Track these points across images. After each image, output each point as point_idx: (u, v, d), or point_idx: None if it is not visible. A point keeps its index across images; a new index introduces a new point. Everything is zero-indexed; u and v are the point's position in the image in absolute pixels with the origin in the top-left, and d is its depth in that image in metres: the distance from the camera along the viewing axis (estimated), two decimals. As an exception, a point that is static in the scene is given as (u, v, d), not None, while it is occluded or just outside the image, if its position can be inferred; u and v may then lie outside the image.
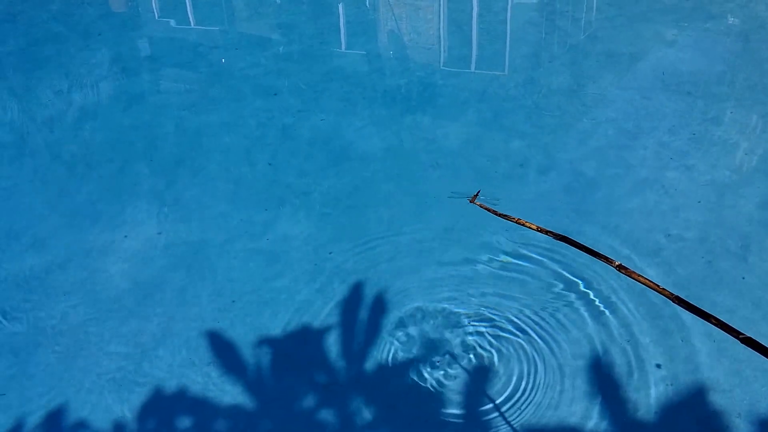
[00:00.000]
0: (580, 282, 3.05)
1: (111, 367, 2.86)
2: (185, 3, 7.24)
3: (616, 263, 1.49)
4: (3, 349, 2.99)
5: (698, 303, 2.83)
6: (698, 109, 4.34)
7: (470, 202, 1.99)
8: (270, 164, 4.23)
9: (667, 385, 2.58)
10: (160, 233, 3.64)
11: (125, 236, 3.64)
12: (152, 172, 4.29)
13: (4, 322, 3.15)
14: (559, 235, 1.65)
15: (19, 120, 5.15)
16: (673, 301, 1.32)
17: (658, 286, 1.37)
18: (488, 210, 1.88)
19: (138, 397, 2.73)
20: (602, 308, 2.92)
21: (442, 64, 5.45)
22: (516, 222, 1.76)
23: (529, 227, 1.75)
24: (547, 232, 1.68)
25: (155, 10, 7.25)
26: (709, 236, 3.26)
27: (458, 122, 4.50)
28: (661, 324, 2.81)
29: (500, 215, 1.85)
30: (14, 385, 2.82)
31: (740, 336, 1.20)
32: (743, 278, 3.00)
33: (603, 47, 5.33)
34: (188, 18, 6.90)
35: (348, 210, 3.73)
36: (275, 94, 5.09)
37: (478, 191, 1.97)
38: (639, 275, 1.42)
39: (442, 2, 6.76)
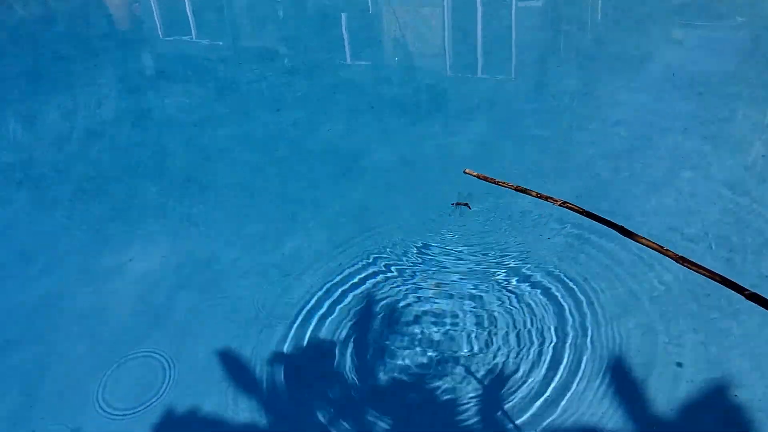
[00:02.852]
0: (597, 286, 3.00)
1: (123, 390, 2.82)
2: (188, 19, 7.26)
3: (619, 226, 1.52)
4: (13, 377, 2.96)
5: (721, 300, 2.80)
6: (710, 109, 4.28)
7: (465, 172, 1.97)
8: (279, 177, 4.20)
9: (687, 382, 2.52)
10: (169, 254, 3.61)
11: (135, 258, 3.61)
12: (161, 189, 4.27)
13: (15, 348, 3.12)
14: (559, 200, 1.66)
15: (26, 142, 5.16)
16: (677, 261, 1.33)
17: (662, 247, 1.37)
18: (483, 178, 1.85)
19: (152, 418, 2.68)
20: (622, 308, 2.86)
21: (449, 72, 5.41)
22: (515, 189, 1.75)
23: (529, 193, 1.74)
24: (546, 198, 1.68)
25: (159, 27, 7.27)
26: (727, 235, 3.20)
27: (468, 130, 4.46)
28: (681, 323, 2.74)
29: (497, 182, 1.83)
30: (23, 412, 2.78)
31: (745, 292, 1.21)
32: (767, 276, 2.93)
33: (611, 50, 5.28)
34: (191, 33, 6.92)
35: (360, 222, 3.69)
36: (281, 108, 5.07)
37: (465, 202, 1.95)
38: (641, 237, 1.42)
39: (446, 9, 6.74)
